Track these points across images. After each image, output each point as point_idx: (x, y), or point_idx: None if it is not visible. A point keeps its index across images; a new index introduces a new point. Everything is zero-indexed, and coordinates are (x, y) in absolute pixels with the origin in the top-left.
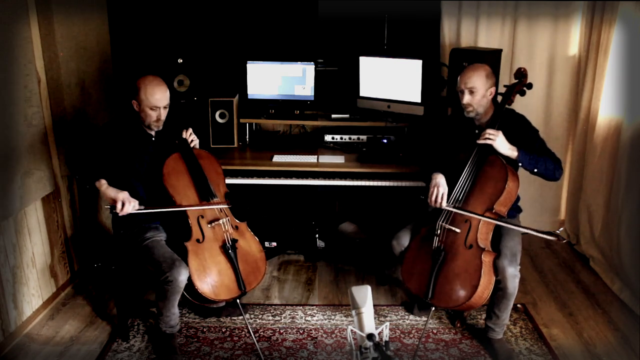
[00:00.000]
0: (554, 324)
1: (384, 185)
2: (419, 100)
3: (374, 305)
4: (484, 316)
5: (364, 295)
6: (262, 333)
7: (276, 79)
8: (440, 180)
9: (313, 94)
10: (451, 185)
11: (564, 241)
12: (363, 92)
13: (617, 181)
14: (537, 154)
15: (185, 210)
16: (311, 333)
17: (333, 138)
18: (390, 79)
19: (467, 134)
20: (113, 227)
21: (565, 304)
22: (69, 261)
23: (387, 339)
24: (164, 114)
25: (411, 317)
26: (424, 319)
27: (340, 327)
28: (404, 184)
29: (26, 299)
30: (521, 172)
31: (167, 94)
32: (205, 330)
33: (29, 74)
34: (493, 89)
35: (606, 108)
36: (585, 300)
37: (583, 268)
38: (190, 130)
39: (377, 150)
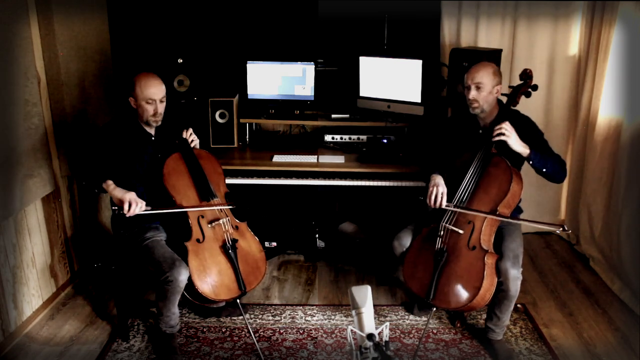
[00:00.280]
0: (554, 324)
1: (384, 185)
2: (419, 100)
3: (374, 305)
4: (484, 316)
5: (364, 295)
6: (262, 333)
7: (276, 79)
8: (439, 180)
9: (313, 94)
10: (455, 186)
11: (569, 231)
12: (363, 92)
13: (617, 181)
14: (547, 154)
15: (187, 210)
16: (311, 333)
17: (333, 138)
18: (390, 79)
19: (470, 134)
20: (113, 227)
21: (565, 304)
22: (69, 261)
23: (387, 339)
24: (161, 107)
25: (411, 317)
26: (424, 319)
27: (340, 327)
28: (404, 184)
29: (26, 299)
30: (522, 172)
31: (163, 87)
32: (205, 330)
33: (29, 74)
34: (500, 87)
35: (606, 108)
36: (585, 300)
37: (583, 268)
38: (191, 130)
39: (377, 150)
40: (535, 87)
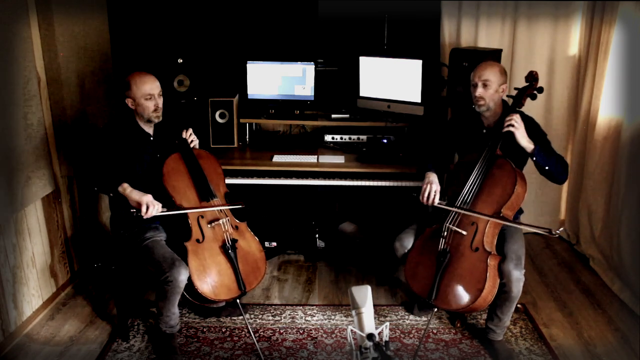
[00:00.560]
0: (554, 324)
1: (384, 185)
2: (419, 100)
3: (374, 305)
4: (484, 316)
5: (364, 295)
6: (262, 333)
7: (276, 79)
8: (433, 178)
9: (313, 94)
10: (459, 187)
11: (556, 235)
12: (363, 92)
13: (617, 181)
14: (550, 153)
15: (196, 211)
16: (311, 333)
17: (333, 138)
18: (390, 79)
19: (474, 134)
20: (112, 227)
21: (565, 304)
22: (69, 261)
23: (387, 339)
24: (160, 102)
25: (411, 317)
26: (424, 319)
27: (340, 327)
28: (404, 184)
29: (26, 299)
30: (526, 172)
31: (157, 82)
32: (205, 330)
33: (29, 74)
34: (505, 87)
35: (606, 108)
36: (585, 300)
37: (583, 268)
38: (191, 130)
39: (377, 150)
40: (540, 90)
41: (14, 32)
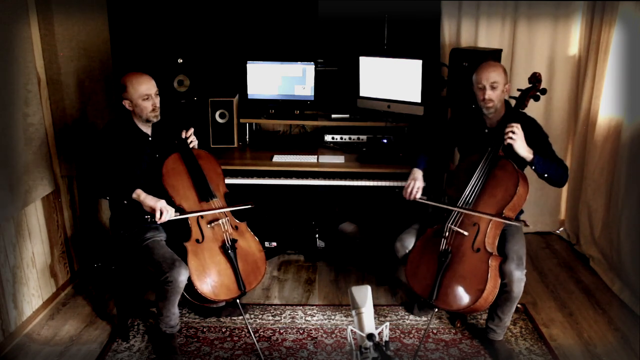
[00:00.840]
0: (554, 324)
1: (384, 185)
2: (419, 100)
3: (374, 305)
4: (484, 316)
5: (364, 295)
6: (262, 333)
7: (276, 79)
8: (417, 175)
9: (313, 94)
10: (461, 188)
11: (528, 227)
12: (363, 92)
13: (617, 181)
14: (549, 159)
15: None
16: (311, 333)
17: (333, 138)
18: (390, 79)
19: (476, 134)
20: (112, 227)
21: (565, 304)
22: (69, 261)
23: (387, 339)
24: (157, 101)
25: (411, 317)
26: (424, 319)
27: (340, 327)
28: (404, 184)
29: (26, 299)
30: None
31: (153, 82)
32: (205, 330)
33: (29, 74)
34: (508, 86)
35: (606, 108)
36: (585, 300)
37: (583, 268)
38: (192, 130)
39: (377, 150)
40: (544, 91)
41: (14, 32)
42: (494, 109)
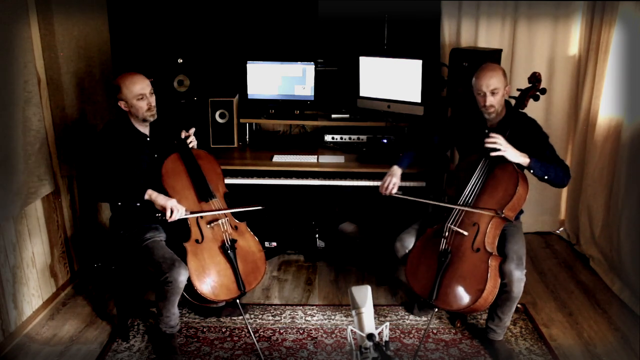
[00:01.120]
0: (554, 324)
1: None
2: (419, 100)
3: (374, 305)
4: (484, 316)
5: (364, 295)
6: (262, 333)
7: (276, 79)
8: (394, 171)
9: (313, 94)
10: (461, 188)
11: (501, 215)
12: (363, 92)
13: (617, 181)
14: (547, 161)
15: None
16: (311, 333)
17: (333, 138)
18: (390, 79)
19: (477, 134)
20: (111, 227)
21: (565, 304)
22: (69, 261)
23: (387, 339)
24: (152, 100)
25: (411, 317)
26: (424, 319)
27: (340, 327)
28: (403, 184)
29: (26, 299)
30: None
31: (147, 81)
32: (205, 330)
33: (29, 74)
34: (509, 88)
35: (606, 108)
36: (585, 300)
37: (583, 268)
38: (192, 130)
39: (377, 150)
40: (543, 91)
41: (14, 32)
42: (495, 114)
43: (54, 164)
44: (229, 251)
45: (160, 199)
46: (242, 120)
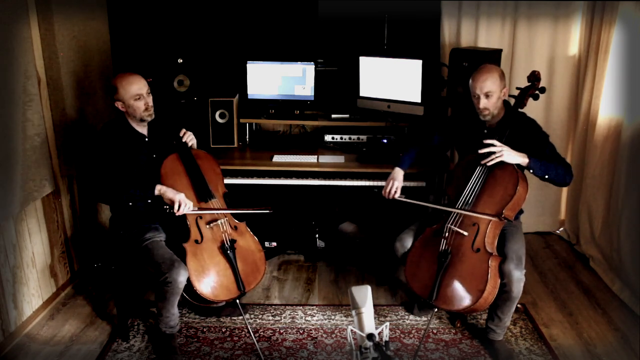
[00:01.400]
0: (554, 324)
1: (384, 185)
2: (419, 100)
3: (374, 305)
4: (484, 316)
5: (364, 295)
6: (262, 333)
7: (276, 79)
8: (396, 175)
9: (313, 94)
10: (460, 188)
11: (504, 219)
12: (363, 92)
13: (617, 181)
14: (547, 160)
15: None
16: (311, 333)
17: (333, 138)
18: (390, 79)
19: (476, 134)
20: (111, 228)
21: (565, 304)
22: (69, 261)
23: (387, 339)
24: (150, 100)
25: (411, 317)
26: (424, 319)
27: (340, 327)
28: (404, 184)
29: (26, 299)
30: (526, 175)
31: (144, 81)
32: (205, 330)
33: (29, 74)
34: (506, 90)
35: (606, 108)
36: (585, 300)
37: (583, 268)
38: (184, 130)
39: (377, 150)
40: (543, 90)
41: (14, 32)
42: (490, 116)
43: (54, 164)
44: (228, 251)
45: (169, 192)
46: (242, 120)
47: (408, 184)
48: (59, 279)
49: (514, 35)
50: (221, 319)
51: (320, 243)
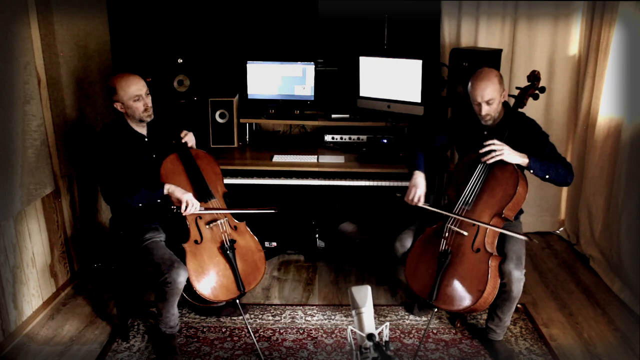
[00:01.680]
0: (554, 324)
1: (384, 185)
2: (419, 100)
3: (374, 305)
4: (484, 316)
5: (364, 295)
6: (262, 333)
7: (276, 79)
8: (418, 180)
9: (313, 94)
10: (460, 188)
11: (534, 241)
12: (363, 92)
13: (617, 181)
14: (547, 160)
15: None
16: (311, 333)
17: (333, 138)
18: (390, 79)
19: (475, 135)
20: (111, 228)
21: (565, 304)
22: (69, 261)
23: (387, 339)
24: (149, 101)
25: (411, 317)
26: (424, 319)
27: (340, 327)
28: (404, 184)
29: (26, 299)
30: (527, 175)
31: (143, 81)
32: (205, 330)
33: (29, 74)
34: (506, 92)
35: (606, 108)
36: (585, 300)
37: (583, 268)
38: (185, 131)
39: (377, 150)
40: (543, 90)
41: (14, 32)
42: (492, 120)
43: (53, 164)
44: (228, 251)
45: (177, 191)
46: (242, 120)
47: (408, 184)
48: (59, 279)
49: (514, 35)
50: (221, 319)
51: (320, 243)
